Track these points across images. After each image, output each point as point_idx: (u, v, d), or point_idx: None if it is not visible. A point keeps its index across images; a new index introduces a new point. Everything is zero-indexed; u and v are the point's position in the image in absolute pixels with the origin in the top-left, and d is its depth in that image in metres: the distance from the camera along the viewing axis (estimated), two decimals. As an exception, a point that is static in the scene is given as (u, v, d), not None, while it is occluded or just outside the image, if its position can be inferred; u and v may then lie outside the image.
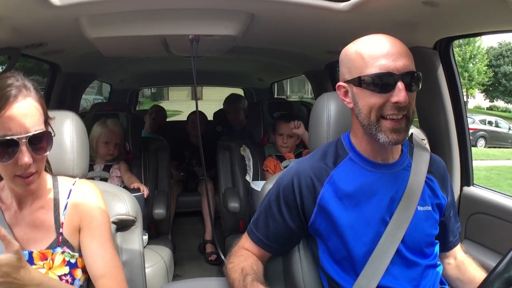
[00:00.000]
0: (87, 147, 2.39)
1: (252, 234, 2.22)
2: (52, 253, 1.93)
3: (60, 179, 2.11)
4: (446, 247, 2.26)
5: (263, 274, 2.15)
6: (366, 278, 1.97)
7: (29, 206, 1.98)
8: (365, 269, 1.98)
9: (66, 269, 1.95)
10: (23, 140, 1.74)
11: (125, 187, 3.97)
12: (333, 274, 2.08)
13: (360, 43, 1.98)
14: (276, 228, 2.15)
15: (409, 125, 1.94)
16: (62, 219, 2.00)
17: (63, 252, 1.95)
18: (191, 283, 2.42)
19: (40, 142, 1.81)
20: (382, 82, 1.87)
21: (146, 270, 2.48)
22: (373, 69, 1.88)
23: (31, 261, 1.89)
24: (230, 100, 6.81)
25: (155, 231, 4.70)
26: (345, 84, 2.03)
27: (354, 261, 2.00)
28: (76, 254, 1.99)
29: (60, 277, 1.92)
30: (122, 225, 2.37)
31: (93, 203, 2.06)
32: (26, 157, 1.75)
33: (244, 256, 2.17)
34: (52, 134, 1.89)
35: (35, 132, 1.78)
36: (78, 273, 1.98)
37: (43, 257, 1.92)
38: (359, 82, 1.93)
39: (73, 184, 2.10)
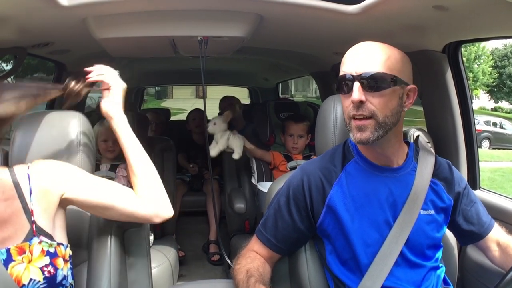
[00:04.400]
0: (93, 148, 2.39)
1: (260, 234, 2.24)
2: (29, 245, 1.85)
3: (16, 168, 1.99)
4: (474, 237, 2.27)
5: (269, 277, 2.17)
6: (370, 279, 2.00)
7: None
8: (370, 270, 2.01)
9: (46, 259, 1.87)
10: None
11: (131, 187, 3.97)
12: (340, 275, 2.11)
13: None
14: (284, 229, 2.17)
15: (379, 128, 1.98)
16: (30, 206, 1.90)
17: (40, 242, 1.87)
18: (196, 286, 2.42)
19: None
20: (343, 84, 2.00)
21: (152, 271, 2.47)
22: (340, 73, 2.02)
23: (9, 258, 1.82)
24: (225, 99, 6.94)
25: (160, 231, 4.70)
26: None
27: (360, 262, 2.04)
28: (54, 243, 1.92)
29: (41, 268, 1.85)
30: (129, 226, 2.36)
31: (58, 171, 2.00)
32: None
33: (251, 258, 2.18)
34: None
35: None
36: (60, 262, 1.91)
37: (21, 251, 1.84)
38: (335, 86, 2.08)
39: (28, 168, 1.98)
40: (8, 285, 1.77)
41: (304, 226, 2.15)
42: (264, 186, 3.97)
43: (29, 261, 1.84)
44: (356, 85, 1.92)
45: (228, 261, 2.87)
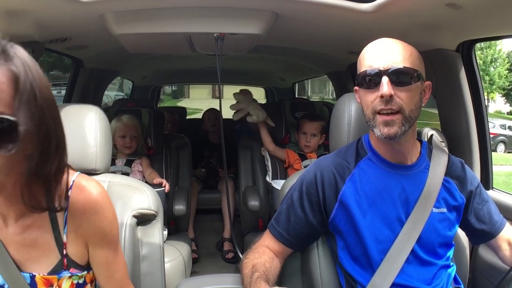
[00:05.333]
0: (110, 141, 2.41)
1: (273, 229, 2.25)
2: (58, 279, 1.69)
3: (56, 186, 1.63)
4: (485, 236, 2.26)
5: (277, 272, 2.19)
6: (381, 276, 2.01)
7: (14, 223, 1.65)
8: (381, 267, 2.02)
9: None
10: None
11: (146, 182, 4.00)
12: (351, 271, 2.12)
13: (363, 49, 2.10)
14: (297, 223, 2.19)
15: (405, 122, 1.98)
16: (64, 238, 1.70)
17: (70, 276, 1.72)
18: (207, 279, 2.44)
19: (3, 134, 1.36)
20: (369, 79, 1.99)
21: (165, 265, 2.49)
22: (363, 68, 2.02)
23: (34, 286, 1.66)
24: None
25: (175, 227, 4.74)
26: (357, 87, 2.13)
27: (371, 259, 2.05)
28: (84, 273, 1.77)
29: None
30: (143, 219, 2.38)
31: (100, 214, 1.75)
32: None
33: (260, 253, 2.19)
34: (19, 125, 1.36)
35: None
36: None
37: (48, 283, 1.68)
38: (357, 82, 2.07)
39: (70, 189, 1.71)
40: None
41: (316, 221, 2.17)
42: (278, 184, 3.98)
43: None
44: (385, 79, 1.93)
45: (242, 257, 2.90)
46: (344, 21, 2.78)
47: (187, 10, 2.72)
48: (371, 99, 1.99)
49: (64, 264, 1.71)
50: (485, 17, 2.32)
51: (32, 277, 1.66)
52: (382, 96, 1.93)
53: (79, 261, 1.75)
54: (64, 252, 1.71)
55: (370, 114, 2.01)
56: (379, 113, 1.97)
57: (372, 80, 1.98)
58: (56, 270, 1.70)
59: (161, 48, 3.81)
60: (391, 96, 1.93)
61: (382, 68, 1.95)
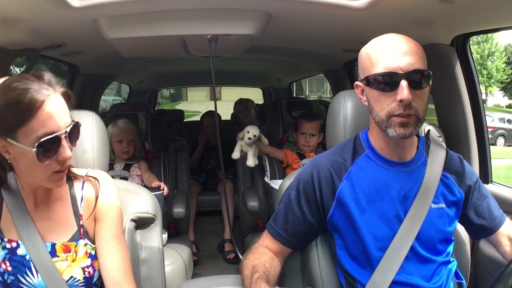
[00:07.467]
0: (107, 145, 2.41)
1: (271, 228, 2.24)
2: (75, 246, 1.97)
3: (73, 171, 2.09)
4: (485, 232, 2.25)
5: (278, 272, 2.18)
6: (381, 274, 2.00)
7: (45, 200, 2.00)
8: (380, 265, 2.01)
9: (88, 261, 1.98)
10: (63, 136, 1.76)
11: (145, 186, 4.00)
12: (350, 270, 2.11)
13: (371, 43, 2.04)
14: (295, 223, 2.18)
15: (419, 122, 1.96)
16: (80, 211, 2.02)
17: (86, 244, 1.99)
18: (208, 281, 2.44)
19: (73, 134, 1.83)
20: (386, 81, 1.92)
21: (165, 268, 2.49)
22: (378, 69, 1.94)
23: (53, 252, 1.93)
24: (240, 102, 7.00)
25: (175, 230, 4.74)
26: (360, 83, 2.08)
27: (370, 257, 2.03)
28: (95, 245, 2.02)
29: (83, 268, 1.96)
30: (142, 223, 2.38)
31: (106, 194, 2.08)
32: (68, 152, 1.78)
33: (259, 253, 2.19)
34: (79, 124, 1.89)
35: (71, 126, 1.80)
36: (97, 264, 2.02)
37: (67, 250, 1.96)
38: (367, 82, 1.99)
39: (86, 175, 2.10)
40: (53, 274, 1.90)
41: (314, 220, 2.15)
42: (277, 184, 3.96)
43: (73, 260, 1.96)
44: (404, 83, 1.87)
45: (242, 258, 2.92)
46: (337, 19, 2.78)
47: (179, 13, 2.72)
48: (387, 102, 1.94)
49: (81, 233, 2.00)
50: (478, 10, 2.32)
51: (53, 245, 1.94)
52: (401, 101, 1.89)
53: (90, 233, 2.03)
54: (81, 223, 2.01)
55: (385, 117, 1.96)
56: (394, 115, 1.93)
57: (388, 82, 1.92)
58: (74, 238, 1.98)
59: (155, 51, 3.82)
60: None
61: (399, 70, 1.89)
